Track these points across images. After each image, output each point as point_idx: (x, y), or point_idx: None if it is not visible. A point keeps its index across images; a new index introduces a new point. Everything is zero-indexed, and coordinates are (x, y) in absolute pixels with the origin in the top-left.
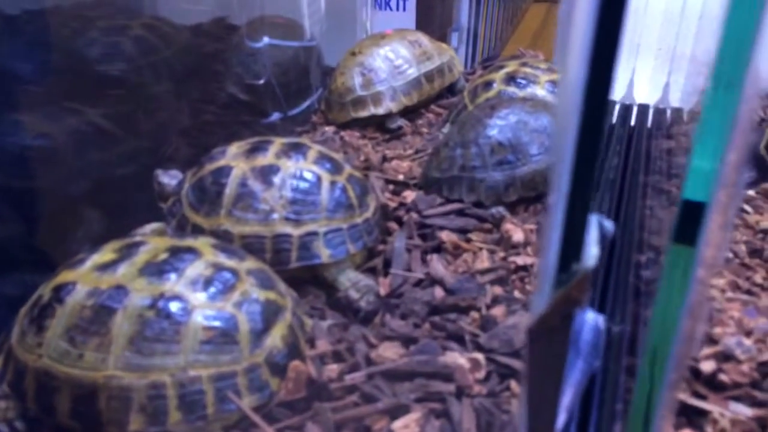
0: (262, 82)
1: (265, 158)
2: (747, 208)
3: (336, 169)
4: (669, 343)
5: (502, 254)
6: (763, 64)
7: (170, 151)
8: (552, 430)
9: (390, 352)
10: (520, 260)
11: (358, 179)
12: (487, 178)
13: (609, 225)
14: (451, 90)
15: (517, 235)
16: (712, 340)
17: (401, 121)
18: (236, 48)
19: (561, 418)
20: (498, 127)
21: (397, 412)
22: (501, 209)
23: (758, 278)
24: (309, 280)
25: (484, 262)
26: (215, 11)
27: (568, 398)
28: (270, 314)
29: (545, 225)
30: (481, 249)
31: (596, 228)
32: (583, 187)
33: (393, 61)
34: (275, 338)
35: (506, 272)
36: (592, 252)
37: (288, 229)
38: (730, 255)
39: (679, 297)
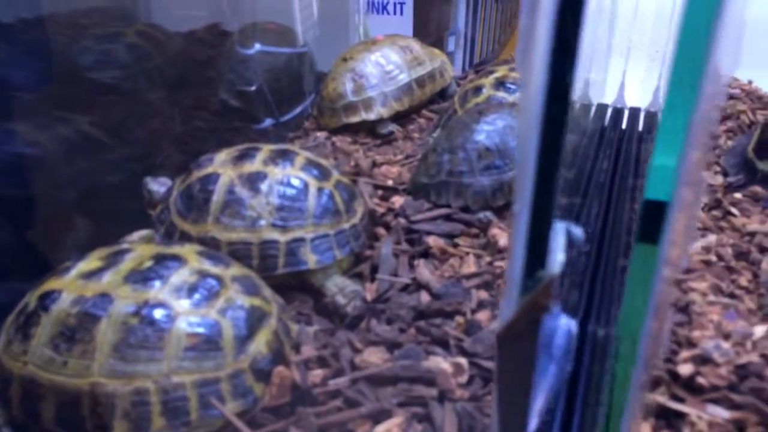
0: (253, 88)
1: (253, 165)
2: (734, 210)
3: (323, 175)
4: (636, 343)
5: (488, 259)
6: (723, 64)
7: (161, 159)
8: None
9: (374, 357)
10: (506, 265)
11: (346, 185)
12: (475, 183)
13: (578, 231)
14: (443, 95)
15: (504, 240)
16: (690, 344)
17: (392, 126)
18: (228, 55)
19: (533, 422)
20: (485, 132)
21: (379, 416)
22: (488, 214)
23: (743, 281)
24: (296, 285)
25: (470, 266)
26: (209, 18)
27: (540, 402)
28: (254, 320)
29: (511, 233)
30: (467, 254)
31: (563, 235)
32: (545, 195)
33: (384, 66)
34: (260, 344)
35: (492, 277)
36: (557, 258)
37: (275, 235)
38: (714, 258)
39: (645, 296)
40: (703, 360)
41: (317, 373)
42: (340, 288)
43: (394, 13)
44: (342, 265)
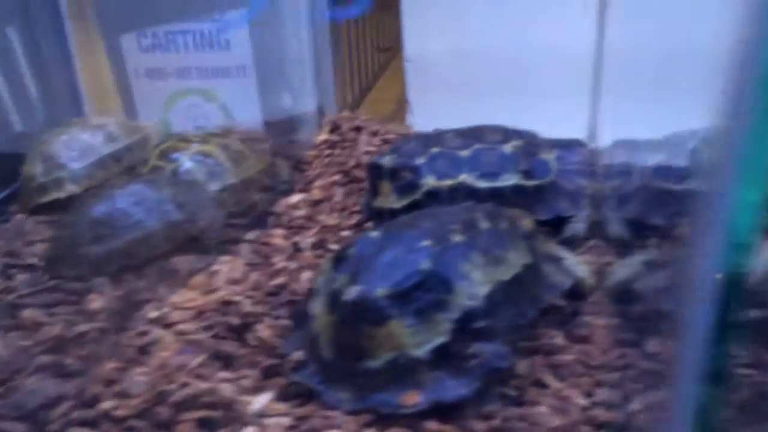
0: None
1: None
2: (334, 247)
3: None
4: None
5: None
6: None
7: None
8: None
9: None
10: (85, 327)
11: None
12: (88, 252)
13: None
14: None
15: (96, 303)
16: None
17: None
18: None
19: None
20: (100, 204)
21: None
22: (101, 281)
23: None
24: None
25: (55, 332)
26: None
27: None
28: None
29: None
30: (59, 322)
31: None
32: None
33: (73, 146)
34: None
35: (68, 342)
36: None
37: None
38: (240, 298)
39: None
40: (123, 394)
41: None
42: None
43: (237, 76)
44: None
